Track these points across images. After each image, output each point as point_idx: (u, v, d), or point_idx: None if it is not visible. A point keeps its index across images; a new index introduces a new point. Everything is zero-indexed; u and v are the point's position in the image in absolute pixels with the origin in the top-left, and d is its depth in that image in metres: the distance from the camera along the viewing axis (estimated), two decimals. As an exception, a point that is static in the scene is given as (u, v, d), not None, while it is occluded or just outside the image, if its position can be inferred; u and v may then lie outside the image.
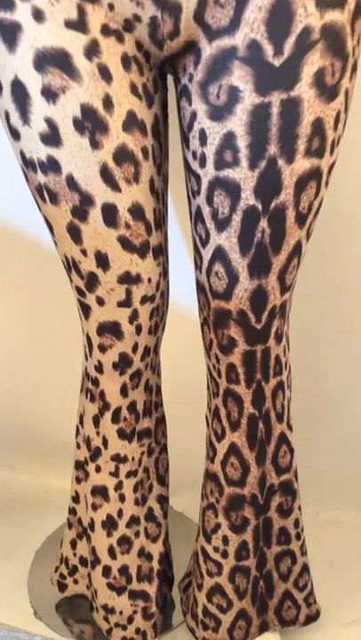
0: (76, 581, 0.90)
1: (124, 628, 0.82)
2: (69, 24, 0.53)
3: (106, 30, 0.55)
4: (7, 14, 0.53)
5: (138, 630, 0.82)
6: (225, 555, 0.77)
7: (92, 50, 0.54)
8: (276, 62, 0.53)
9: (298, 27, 0.53)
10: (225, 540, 0.77)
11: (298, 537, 0.80)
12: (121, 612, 0.82)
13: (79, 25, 0.53)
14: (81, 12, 0.53)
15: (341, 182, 0.86)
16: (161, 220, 0.66)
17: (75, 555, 0.89)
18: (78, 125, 0.56)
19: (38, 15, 0.53)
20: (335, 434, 1.08)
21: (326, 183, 0.62)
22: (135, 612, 0.82)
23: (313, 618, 0.85)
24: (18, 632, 0.89)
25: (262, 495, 0.75)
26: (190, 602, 0.84)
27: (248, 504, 0.75)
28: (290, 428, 0.76)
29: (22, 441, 1.19)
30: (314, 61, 0.54)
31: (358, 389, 1.04)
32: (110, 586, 0.81)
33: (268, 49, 0.53)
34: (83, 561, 0.89)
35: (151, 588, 0.82)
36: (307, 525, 0.98)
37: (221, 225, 0.61)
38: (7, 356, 1.13)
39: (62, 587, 0.92)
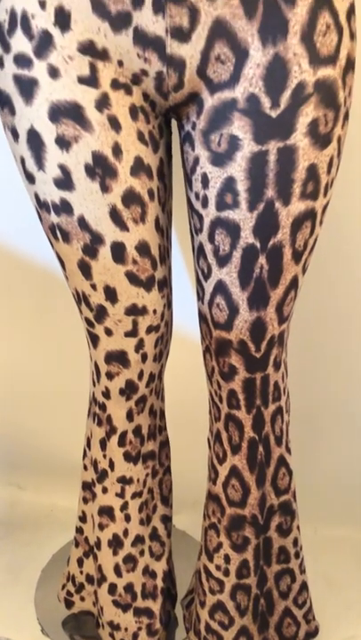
0: (82, 598, 0.93)
1: (130, 644, 0.85)
2: (82, 80, 0.58)
3: (115, 84, 0.59)
4: (25, 71, 0.58)
5: (142, 647, 0.85)
6: (227, 573, 0.80)
7: (102, 102, 0.59)
8: (273, 114, 0.58)
9: (293, 82, 0.57)
10: (226, 558, 0.80)
11: (297, 556, 0.83)
12: (126, 629, 0.85)
13: (91, 80, 0.58)
14: (93, 68, 0.58)
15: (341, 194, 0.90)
16: (165, 255, 0.70)
17: (81, 572, 0.92)
18: (90, 171, 0.60)
19: (54, 72, 0.57)
20: (332, 455, 1.11)
21: (321, 222, 0.66)
22: (140, 628, 0.85)
23: (312, 634, 0.87)
24: (26, 648, 0.91)
25: (262, 515, 0.78)
26: (193, 618, 0.87)
27: (249, 524, 0.78)
28: (288, 450, 0.79)
29: (29, 461, 1.22)
30: (308, 113, 0.58)
31: (354, 414, 1.08)
32: (116, 603, 0.84)
33: (266, 102, 0.57)
34: (89, 579, 0.92)
35: (155, 605, 0.85)
36: (305, 543, 1.00)
37: (222, 261, 0.66)
38: (17, 381, 1.17)
39: (69, 604, 0.94)
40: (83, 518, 0.90)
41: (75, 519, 1.12)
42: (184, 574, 0.99)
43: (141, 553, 0.83)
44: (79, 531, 0.91)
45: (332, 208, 0.78)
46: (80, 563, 0.92)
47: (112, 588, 0.84)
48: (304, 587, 0.85)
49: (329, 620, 0.93)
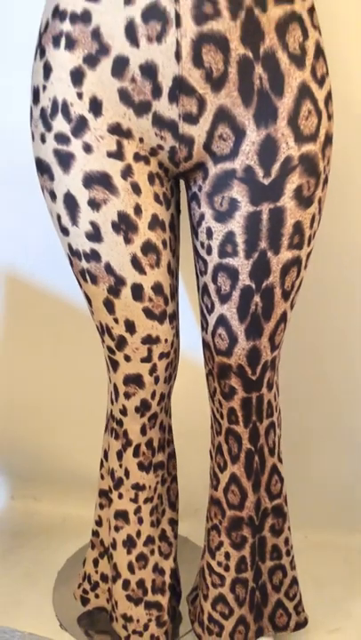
0: (97, 596, 1.04)
1: (141, 634, 0.95)
2: (110, 154, 0.71)
3: (137, 157, 0.72)
4: (64, 146, 0.71)
5: (152, 636, 0.95)
6: (227, 568, 0.92)
7: (126, 172, 0.72)
8: (266, 182, 0.71)
9: (282, 156, 0.70)
10: (227, 555, 0.91)
11: (288, 553, 0.95)
12: (138, 621, 0.95)
13: (118, 154, 0.71)
14: (119, 145, 0.71)
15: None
16: (174, 293, 0.83)
17: (96, 572, 1.03)
18: (115, 227, 0.73)
19: (88, 148, 0.70)
20: (321, 468, 1.22)
21: (305, 266, 0.79)
22: (150, 620, 0.95)
23: (302, 624, 0.99)
24: (47, 641, 1.02)
25: (258, 517, 0.90)
26: (197, 611, 0.98)
27: (246, 525, 0.90)
28: (280, 460, 0.91)
29: (43, 475, 1.32)
30: (294, 180, 0.72)
31: (341, 431, 1.19)
32: (129, 597, 0.95)
33: (260, 172, 0.71)
34: (104, 577, 1.03)
35: (164, 599, 0.96)
36: (296, 547, 1.11)
37: (224, 299, 0.78)
38: (34, 401, 1.28)
39: (85, 601, 1.05)
40: (99, 522, 1.01)
41: (85, 527, 1.23)
42: (187, 576, 1.10)
43: (152, 552, 0.94)
44: (95, 534, 1.02)
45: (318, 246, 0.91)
46: (95, 563, 1.03)
47: (126, 584, 0.95)
48: (294, 581, 0.97)
49: (317, 614, 1.04)
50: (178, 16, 0.64)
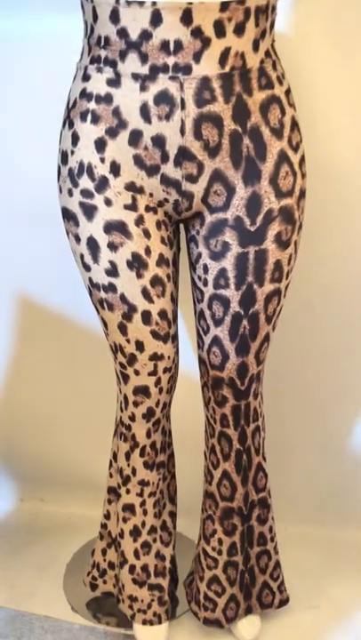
0: (105, 582, 1.18)
1: (145, 612, 1.10)
2: (126, 207, 0.87)
3: (147, 208, 0.88)
4: (88, 200, 0.87)
5: (155, 614, 1.10)
6: (220, 552, 1.07)
7: (139, 221, 0.88)
8: (252, 229, 0.88)
9: (265, 209, 0.87)
10: (220, 541, 1.07)
11: (272, 540, 1.11)
12: (142, 601, 1.10)
13: (132, 207, 0.87)
14: (133, 199, 0.87)
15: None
16: (176, 317, 0.99)
17: (105, 560, 1.17)
18: (129, 265, 0.89)
19: (108, 202, 0.87)
20: (301, 468, 1.37)
21: (285, 296, 0.96)
22: (153, 600, 1.10)
23: (284, 602, 1.14)
24: (62, 622, 1.17)
25: (246, 508, 1.06)
26: (194, 592, 1.12)
27: (236, 514, 1.05)
28: (264, 459, 1.07)
29: (50, 478, 1.46)
30: (274, 228, 0.89)
31: (319, 434, 1.35)
32: (134, 580, 1.10)
33: (247, 221, 0.88)
34: (111, 565, 1.17)
35: (164, 582, 1.11)
36: (278, 538, 1.27)
37: (217, 323, 0.95)
38: (42, 412, 1.41)
39: (94, 586, 1.19)
40: (107, 516, 1.16)
41: (90, 525, 1.37)
42: (184, 565, 1.24)
43: (154, 540, 1.09)
44: (103, 526, 1.17)
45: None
46: (104, 552, 1.17)
47: (132, 569, 1.09)
48: (278, 564, 1.12)
49: (298, 593, 1.20)
50: (183, 101, 0.81)
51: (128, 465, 1.05)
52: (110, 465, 1.13)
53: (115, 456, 1.11)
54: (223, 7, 0.77)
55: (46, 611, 1.19)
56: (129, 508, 1.07)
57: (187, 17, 0.77)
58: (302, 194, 0.91)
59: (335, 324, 1.25)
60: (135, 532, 1.08)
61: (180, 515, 1.28)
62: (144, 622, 1.10)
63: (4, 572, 1.28)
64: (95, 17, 0.81)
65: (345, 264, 1.20)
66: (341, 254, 1.20)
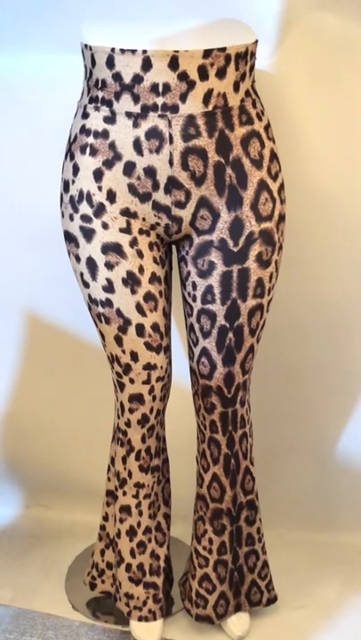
0: (103, 581, 1.25)
1: (140, 609, 1.17)
2: (122, 230, 0.97)
3: (141, 231, 0.98)
4: (87, 224, 0.97)
5: (150, 611, 1.17)
6: (210, 551, 1.14)
7: (133, 242, 0.97)
8: (235, 249, 0.97)
9: (246, 231, 0.96)
10: (210, 541, 1.14)
11: (260, 540, 1.17)
12: (138, 598, 1.17)
13: (127, 230, 0.97)
14: (128, 223, 0.97)
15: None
16: (168, 330, 1.08)
17: (103, 561, 1.24)
18: (125, 282, 0.98)
19: (105, 226, 0.96)
20: (293, 477, 1.43)
21: (267, 310, 1.04)
22: (148, 597, 1.17)
23: (272, 600, 1.20)
24: (63, 619, 1.24)
25: (235, 509, 1.13)
26: (187, 590, 1.19)
27: (225, 515, 1.13)
28: (252, 463, 1.14)
29: (54, 486, 1.52)
30: (256, 248, 0.98)
31: (310, 444, 1.41)
32: (130, 579, 1.17)
33: (230, 243, 0.97)
34: (109, 565, 1.24)
35: (159, 580, 1.18)
36: (269, 543, 1.32)
37: (205, 335, 1.03)
38: (46, 419, 1.49)
39: (93, 586, 1.26)
40: (105, 518, 1.23)
41: (91, 531, 1.44)
42: (179, 568, 1.31)
43: (149, 540, 1.16)
44: (102, 528, 1.24)
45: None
46: (102, 553, 1.24)
47: (128, 567, 1.16)
48: (265, 564, 1.19)
49: (286, 594, 1.26)
50: (171, 136, 0.91)
51: (125, 468, 1.13)
52: (108, 469, 1.21)
53: (112, 460, 1.19)
54: (206, 54, 0.87)
55: (48, 609, 1.26)
56: (125, 510, 1.14)
57: (174, 63, 0.87)
58: (281, 218, 1.00)
59: (322, 335, 1.33)
60: (131, 532, 1.15)
61: (177, 521, 1.35)
62: (140, 619, 1.16)
63: (9, 572, 1.35)
64: (93, 62, 0.92)
65: (330, 280, 1.29)
66: (326, 271, 1.28)
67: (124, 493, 1.14)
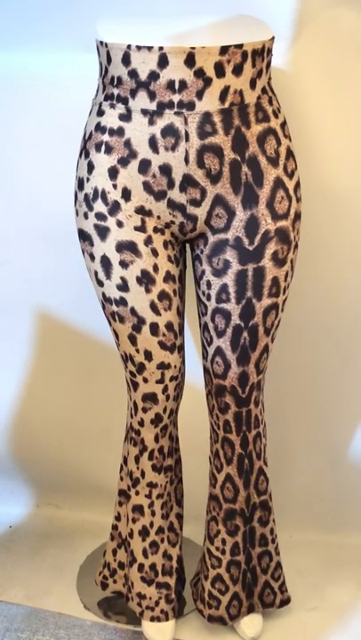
0: (115, 581, 1.25)
1: (152, 609, 1.16)
2: (136, 228, 0.96)
3: (155, 229, 0.97)
4: (102, 222, 0.96)
5: (162, 611, 1.16)
6: (223, 552, 1.13)
7: (148, 241, 0.97)
8: (251, 248, 0.96)
9: (262, 230, 0.96)
10: (223, 541, 1.13)
11: (273, 541, 1.17)
12: (150, 598, 1.16)
13: (142, 228, 0.96)
14: (143, 221, 0.96)
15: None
16: (182, 329, 1.07)
17: (115, 560, 1.24)
18: (139, 281, 0.98)
19: (120, 224, 0.96)
20: (304, 478, 1.43)
21: (282, 310, 1.03)
22: (160, 598, 1.16)
23: (285, 602, 1.20)
24: (74, 619, 1.24)
25: (248, 510, 1.12)
26: (199, 591, 1.19)
27: (239, 515, 1.12)
28: (265, 463, 1.14)
29: (64, 486, 1.52)
30: (271, 247, 0.97)
31: (321, 443, 1.41)
32: (143, 579, 1.16)
33: (246, 241, 0.96)
34: (121, 565, 1.24)
35: (171, 581, 1.17)
36: (282, 544, 1.32)
37: (220, 334, 1.02)
38: (57, 418, 1.49)
39: (104, 586, 1.26)
40: (118, 518, 1.23)
41: (102, 530, 1.44)
42: (191, 568, 1.30)
43: (162, 540, 1.16)
44: (114, 527, 1.24)
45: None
46: (114, 553, 1.24)
47: (140, 567, 1.16)
48: (279, 565, 1.18)
49: (299, 596, 1.25)
50: (187, 133, 0.90)
51: (137, 468, 1.12)
52: (121, 469, 1.21)
53: (125, 460, 1.18)
54: (223, 51, 0.87)
55: (60, 608, 1.26)
56: (138, 509, 1.14)
57: (190, 60, 0.86)
58: (297, 216, 0.99)
59: (336, 334, 1.32)
60: (144, 532, 1.14)
61: (188, 521, 1.34)
62: (152, 619, 1.16)
63: (21, 572, 1.35)
64: (109, 60, 0.91)
65: (345, 280, 1.28)
66: (340, 271, 1.27)
67: (137, 493, 1.13)
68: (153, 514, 1.14)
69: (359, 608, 1.25)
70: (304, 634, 1.19)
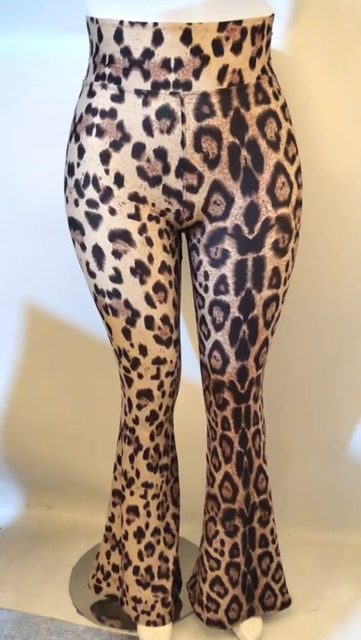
0: (108, 584, 1.20)
1: (148, 614, 1.12)
2: (130, 216, 0.91)
3: (150, 217, 0.92)
4: (93, 210, 0.91)
5: (158, 615, 1.12)
6: (222, 554, 1.09)
7: (142, 229, 0.92)
8: (250, 237, 0.92)
9: (262, 217, 0.91)
10: (222, 542, 1.09)
11: (273, 542, 1.13)
12: (146, 602, 1.12)
13: (136, 216, 0.91)
14: (136, 209, 0.91)
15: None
16: (178, 323, 1.02)
17: (108, 563, 1.20)
18: (133, 271, 0.93)
19: (112, 211, 0.91)
20: (303, 476, 1.39)
21: (283, 302, 0.99)
22: (156, 601, 1.12)
23: (286, 604, 1.16)
24: (67, 624, 1.19)
25: (247, 509, 1.08)
26: (197, 593, 1.15)
27: (238, 516, 1.08)
28: (265, 461, 1.10)
29: (56, 485, 1.48)
30: (272, 235, 0.92)
31: (318, 443, 1.37)
32: (138, 582, 1.12)
33: (245, 229, 0.91)
34: (115, 568, 1.19)
35: (168, 583, 1.13)
36: (280, 543, 1.28)
37: (218, 327, 0.98)
38: (47, 416, 1.45)
39: (98, 589, 1.21)
40: (111, 519, 1.18)
41: (94, 531, 1.40)
42: (186, 569, 1.26)
43: (158, 542, 1.12)
44: (108, 529, 1.19)
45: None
46: (108, 555, 1.19)
47: (136, 570, 1.11)
48: (279, 566, 1.14)
49: (298, 597, 1.21)
50: (183, 115, 0.85)
51: (132, 467, 1.08)
52: (115, 468, 1.16)
53: (119, 459, 1.13)
54: (221, 27, 0.82)
55: (52, 613, 1.21)
56: (133, 510, 1.09)
57: (187, 36, 0.81)
58: (298, 203, 0.95)
59: (335, 330, 1.28)
60: (139, 534, 1.10)
61: (184, 520, 1.30)
62: (148, 623, 1.12)
63: (11, 575, 1.31)
64: (100, 37, 0.86)
65: (345, 271, 1.24)
66: (340, 261, 1.23)
67: (132, 493, 1.09)
68: (148, 515, 1.09)
69: (359, 608, 1.22)
70: (304, 636, 1.15)
